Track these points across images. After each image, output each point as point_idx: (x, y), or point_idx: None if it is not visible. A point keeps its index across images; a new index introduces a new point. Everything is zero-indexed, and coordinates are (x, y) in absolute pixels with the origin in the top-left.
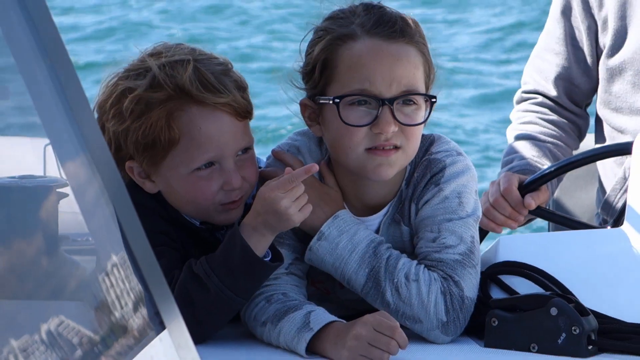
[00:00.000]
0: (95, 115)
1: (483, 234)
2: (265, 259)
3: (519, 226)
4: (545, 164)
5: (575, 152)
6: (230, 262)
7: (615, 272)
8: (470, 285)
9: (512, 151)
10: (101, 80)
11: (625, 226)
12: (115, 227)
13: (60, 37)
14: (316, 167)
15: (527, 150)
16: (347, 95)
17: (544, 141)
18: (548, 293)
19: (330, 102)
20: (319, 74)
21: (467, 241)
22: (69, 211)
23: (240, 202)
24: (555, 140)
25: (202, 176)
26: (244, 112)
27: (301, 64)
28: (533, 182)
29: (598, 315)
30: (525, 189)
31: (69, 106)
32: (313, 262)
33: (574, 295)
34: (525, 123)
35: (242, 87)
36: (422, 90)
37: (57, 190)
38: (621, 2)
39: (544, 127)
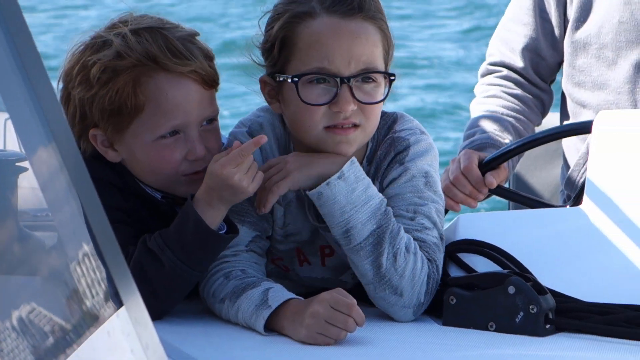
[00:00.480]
0: (61, 84)
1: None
2: (221, 232)
3: (478, 203)
4: (506, 139)
5: (538, 129)
6: (184, 236)
7: (573, 250)
8: (441, 270)
9: (474, 125)
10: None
11: (584, 205)
12: (73, 204)
13: (21, 12)
14: (265, 138)
15: (489, 124)
16: (305, 73)
17: (507, 115)
18: (506, 271)
19: (289, 80)
20: (278, 51)
21: (438, 226)
22: (28, 186)
23: (203, 174)
24: (517, 115)
25: (166, 144)
26: (211, 81)
27: (260, 39)
28: (493, 159)
29: (556, 294)
30: (486, 166)
31: (28, 80)
32: (323, 198)
33: (531, 274)
34: (489, 97)
35: (209, 56)
36: (382, 67)
37: (17, 164)
38: None
39: (508, 101)
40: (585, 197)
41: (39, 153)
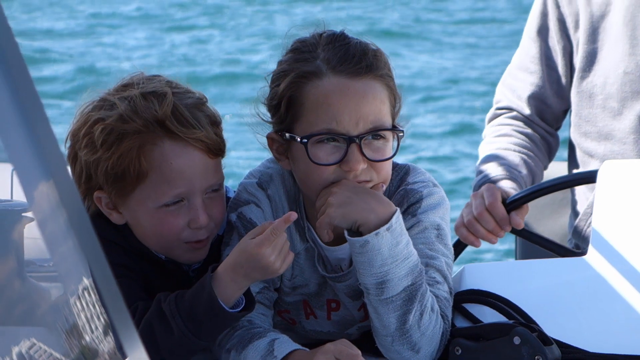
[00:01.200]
0: (69, 142)
1: (462, 247)
2: (237, 309)
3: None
4: (523, 172)
5: (545, 172)
6: (197, 308)
7: (578, 301)
8: (450, 324)
9: (487, 159)
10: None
11: (589, 255)
12: (78, 258)
13: (25, 64)
14: (295, 215)
15: (503, 158)
16: (314, 134)
17: (519, 152)
18: (511, 322)
19: (298, 140)
20: (285, 110)
21: (449, 280)
22: (35, 237)
23: (206, 242)
24: (529, 152)
25: (169, 211)
26: (216, 150)
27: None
28: (518, 199)
29: (561, 345)
30: (510, 204)
31: (34, 135)
32: (368, 247)
33: (537, 324)
34: (500, 136)
35: (215, 123)
36: (389, 123)
37: (24, 214)
38: (594, 25)
39: (519, 138)
40: (590, 247)
41: (44, 210)
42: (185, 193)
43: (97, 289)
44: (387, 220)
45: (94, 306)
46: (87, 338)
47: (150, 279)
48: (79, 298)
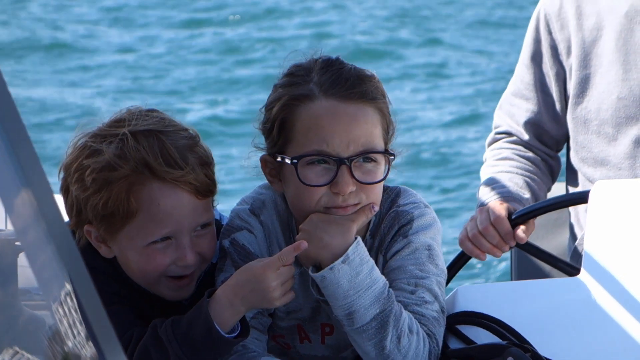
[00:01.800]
0: (62, 173)
1: (466, 259)
2: (232, 334)
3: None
4: (526, 194)
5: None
6: (193, 334)
7: (571, 321)
8: (441, 343)
9: (490, 182)
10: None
11: (582, 275)
12: (69, 291)
13: (16, 107)
14: (305, 244)
15: (506, 181)
16: (304, 155)
17: (522, 175)
18: (505, 342)
19: (288, 161)
20: (277, 132)
21: (440, 299)
22: (27, 265)
23: (191, 279)
24: (532, 175)
25: (156, 249)
26: (205, 191)
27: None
28: (523, 215)
29: None
30: (515, 220)
31: (22, 172)
32: (326, 282)
33: (530, 345)
34: (502, 159)
35: (206, 163)
36: (381, 147)
37: (17, 243)
38: (587, 51)
39: (520, 162)
40: (583, 267)
41: (32, 242)
42: (173, 232)
43: (87, 322)
44: (342, 253)
45: (76, 312)
46: (70, 344)
47: (142, 308)
48: (61, 304)
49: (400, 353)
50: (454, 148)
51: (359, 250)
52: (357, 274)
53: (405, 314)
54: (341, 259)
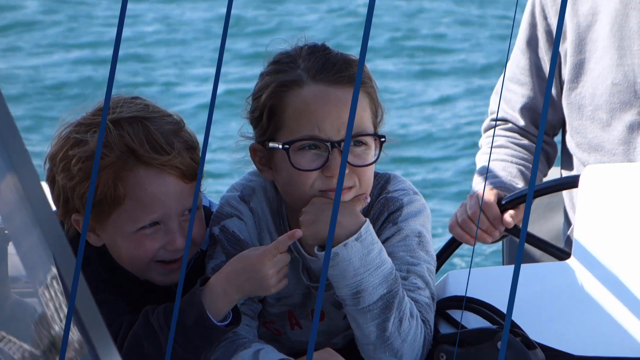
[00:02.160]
0: (48, 164)
1: (456, 245)
2: (224, 322)
3: (493, 242)
4: (519, 184)
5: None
6: (185, 322)
7: (562, 304)
8: (433, 329)
9: (484, 171)
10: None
11: (572, 259)
12: (55, 274)
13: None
14: (300, 233)
15: (500, 170)
16: (296, 140)
17: (516, 163)
18: (495, 327)
19: (280, 147)
20: (267, 120)
21: (430, 286)
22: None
23: (178, 264)
24: (526, 163)
25: (145, 234)
26: (191, 175)
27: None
28: (512, 200)
29: (545, 348)
30: (505, 205)
31: (9, 161)
32: (338, 259)
33: (521, 329)
34: (496, 147)
35: (191, 147)
36: (371, 130)
37: (6, 232)
38: (581, 36)
39: (515, 150)
40: (573, 251)
41: (20, 231)
42: (161, 217)
43: (75, 311)
44: (356, 231)
45: (62, 295)
46: (57, 328)
47: (133, 296)
48: (47, 288)
49: (400, 337)
50: None
51: (370, 229)
52: (368, 252)
53: (407, 299)
54: (354, 236)
